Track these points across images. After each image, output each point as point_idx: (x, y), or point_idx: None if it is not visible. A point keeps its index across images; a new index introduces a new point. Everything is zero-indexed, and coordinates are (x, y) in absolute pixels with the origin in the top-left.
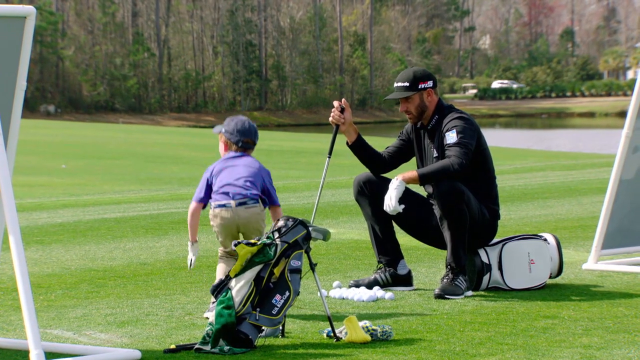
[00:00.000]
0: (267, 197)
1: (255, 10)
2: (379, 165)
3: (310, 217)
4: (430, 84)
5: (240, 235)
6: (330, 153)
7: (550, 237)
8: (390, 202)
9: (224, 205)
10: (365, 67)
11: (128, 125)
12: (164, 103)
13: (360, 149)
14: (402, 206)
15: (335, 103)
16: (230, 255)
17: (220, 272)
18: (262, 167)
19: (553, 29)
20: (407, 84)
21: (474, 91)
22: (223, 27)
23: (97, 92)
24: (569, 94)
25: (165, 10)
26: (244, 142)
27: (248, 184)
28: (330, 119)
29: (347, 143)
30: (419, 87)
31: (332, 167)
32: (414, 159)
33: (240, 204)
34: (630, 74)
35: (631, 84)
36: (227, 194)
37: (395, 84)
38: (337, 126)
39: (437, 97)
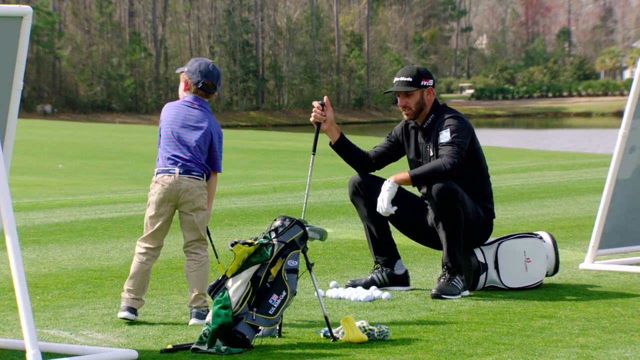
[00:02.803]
0: (210, 162)
1: (252, 10)
2: (364, 165)
3: (306, 217)
4: (431, 82)
5: (170, 209)
6: (314, 150)
7: (545, 235)
8: (383, 204)
9: (167, 171)
10: (362, 67)
11: (125, 125)
12: (161, 103)
13: (343, 148)
14: (395, 208)
15: (315, 103)
16: (149, 248)
17: (133, 269)
18: (213, 127)
19: (550, 29)
20: (409, 79)
21: (471, 91)
22: (220, 27)
23: (93, 92)
24: (565, 93)
25: (162, 10)
26: (204, 85)
27: (196, 152)
28: (312, 118)
29: (330, 143)
30: (422, 83)
31: (329, 167)
32: (404, 159)
33: (184, 173)
34: (627, 74)
35: (628, 84)
36: (172, 160)
37: (397, 79)
38: (319, 124)
39: (434, 97)
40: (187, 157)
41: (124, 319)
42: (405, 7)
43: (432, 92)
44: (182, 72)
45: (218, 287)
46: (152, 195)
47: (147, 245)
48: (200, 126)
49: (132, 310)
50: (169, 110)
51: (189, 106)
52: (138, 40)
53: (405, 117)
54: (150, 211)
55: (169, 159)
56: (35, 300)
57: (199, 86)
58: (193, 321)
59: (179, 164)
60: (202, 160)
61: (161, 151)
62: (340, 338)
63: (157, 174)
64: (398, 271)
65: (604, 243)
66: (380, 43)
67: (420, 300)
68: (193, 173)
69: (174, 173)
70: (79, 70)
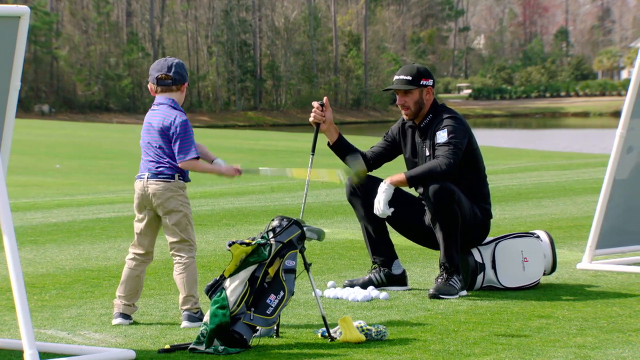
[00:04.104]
0: (178, 153)
1: (250, 10)
2: None
3: (304, 217)
4: (431, 82)
5: (149, 213)
6: (313, 150)
7: (542, 234)
8: (379, 205)
9: (139, 177)
10: (360, 67)
11: (122, 125)
12: None
13: (341, 149)
14: (392, 209)
15: (315, 103)
16: (137, 254)
17: (125, 276)
18: (170, 121)
19: (547, 29)
20: (409, 77)
21: (469, 91)
22: (217, 27)
23: (91, 92)
24: (563, 93)
25: (160, 10)
26: (158, 79)
27: (160, 153)
28: (311, 118)
29: (328, 143)
30: (421, 83)
31: (326, 167)
32: (400, 158)
33: (152, 177)
34: (624, 74)
35: (625, 84)
36: (143, 166)
37: (397, 77)
38: (318, 125)
39: (433, 96)
40: (153, 160)
41: (118, 324)
42: (403, 7)
43: (432, 92)
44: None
45: (216, 287)
46: (134, 201)
47: (135, 250)
48: (158, 126)
49: (125, 316)
50: (147, 114)
51: (151, 110)
52: (136, 40)
53: (404, 116)
54: (135, 217)
55: (142, 164)
56: (32, 300)
57: (156, 83)
58: (184, 324)
59: (148, 168)
60: (171, 160)
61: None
62: (338, 338)
63: (135, 180)
64: (396, 271)
65: (602, 243)
66: (378, 43)
67: (418, 300)
68: (160, 176)
69: (143, 178)
70: (76, 70)
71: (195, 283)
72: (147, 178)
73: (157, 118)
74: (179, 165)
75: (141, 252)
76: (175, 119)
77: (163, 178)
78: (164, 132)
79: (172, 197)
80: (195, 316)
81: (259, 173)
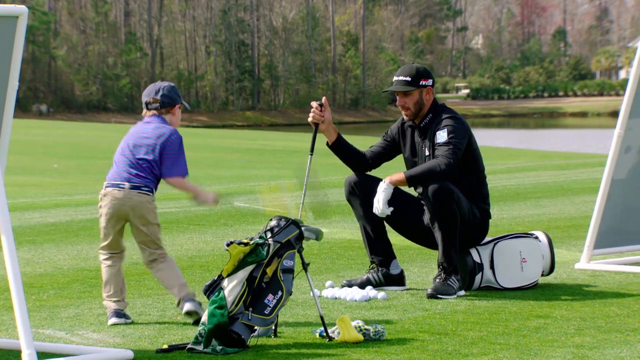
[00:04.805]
0: (165, 168)
1: (248, 10)
2: (361, 165)
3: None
4: (430, 82)
5: (119, 223)
6: (312, 150)
7: (541, 235)
8: (378, 205)
9: (117, 186)
10: (358, 67)
11: (121, 124)
12: None
13: (340, 148)
14: (391, 209)
15: (314, 103)
16: (112, 253)
17: (106, 275)
18: (163, 136)
19: (545, 29)
20: (408, 78)
21: (467, 91)
22: (215, 27)
23: (89, 92)
24: (561, 93)
25: (158, 9)
26: (147, 104)
27: (146, 166)
28: (310, 118)
29: (327, 143)
30: (420, 83)
31: (325, 167)
32: (400, 157)
33: (133, 188)
34: (622, 74)
35: (623, 84)
36: (123, 176)
37: (396, 78)
38: (317, 125)
39: (433, 96)
40: (135, 171)
41: (115, 324)
42: (401, 6)
43: (431, 92)
44: None
45: (214, 287)
46: (102, 207)
47: (108, 251)
48: (148, 142)
49: (119, 314)
50: (132, 127)
51: (144, 122)
52: (134, 40)
53: (405, 117)
54: (102, 222)
55: (119, 173)
56: (30, 300)
57: (147, 108)
58: (187, 306)
59: (129, 179)
60: (152, 174)
61: (113, 164)
62: (336, 338)
63: (106, 186)
64: (394, 271)
65: (600, 243)
66: (376, 43)
67: (416, 300)
68: (143, 189)
69: (124, 188)
70: (74, 70)
71: (180, 273)
72: (129, 189)
73: (149, 131)
74: (168, 180)
75: (115, 251)
76: (170, 134)
77: (145, 191)
78: (155, 148)
79: (151, 210)
80: (195, 298)
81: (232, 204)
